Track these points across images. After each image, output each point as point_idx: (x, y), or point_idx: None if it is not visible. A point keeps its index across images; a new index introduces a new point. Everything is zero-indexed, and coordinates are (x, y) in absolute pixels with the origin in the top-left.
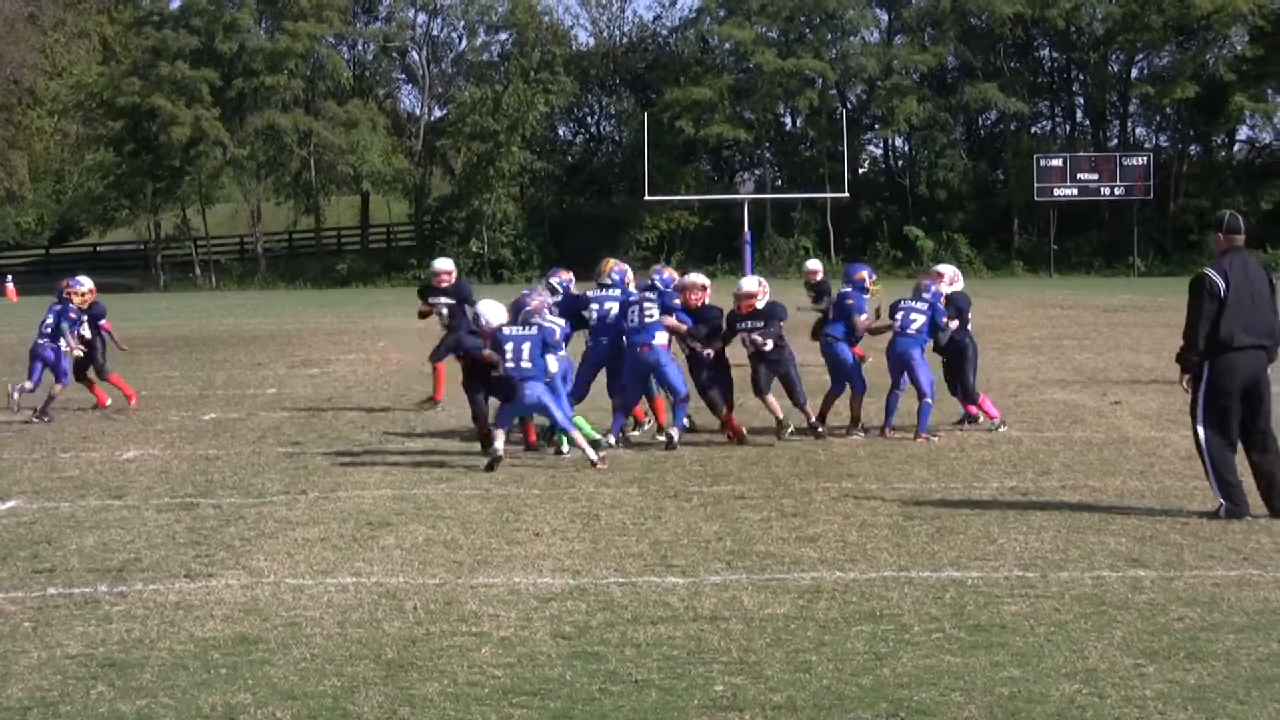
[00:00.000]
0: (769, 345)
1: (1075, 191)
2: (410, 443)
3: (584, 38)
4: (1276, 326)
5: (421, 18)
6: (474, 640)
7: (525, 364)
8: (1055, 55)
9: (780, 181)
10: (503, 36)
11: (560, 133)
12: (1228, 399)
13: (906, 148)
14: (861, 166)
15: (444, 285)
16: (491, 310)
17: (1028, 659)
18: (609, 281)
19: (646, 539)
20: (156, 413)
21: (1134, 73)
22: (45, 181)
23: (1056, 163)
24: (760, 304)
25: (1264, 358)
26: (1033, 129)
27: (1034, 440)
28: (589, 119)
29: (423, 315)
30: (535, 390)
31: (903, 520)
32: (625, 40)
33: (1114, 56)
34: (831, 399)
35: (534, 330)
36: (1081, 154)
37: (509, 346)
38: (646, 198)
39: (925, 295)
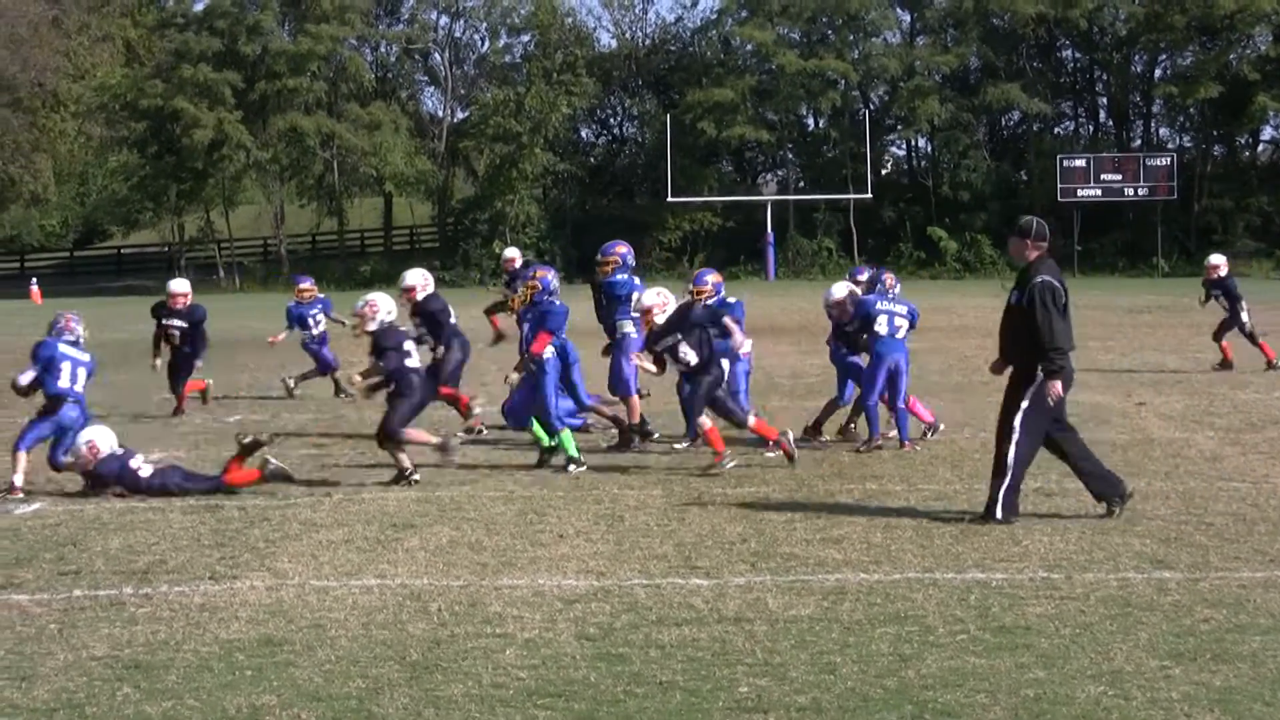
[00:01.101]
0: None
1: (1099, 192)
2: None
3: (606, 39)
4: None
5: (444, 20)
6: (498, 642)
7: (79, 387)
8: (1078, 56)
9: (803, 183)
10: (525, 38)
11: (583, 134)
12: (1059, 405)
13: (929, 148)
14: (884, 167)
15: (179, 307)
16: (100, 436)
17: (1053, 661)
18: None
19: (670, 540)
20: (181, 415)
21: (1157, 73)
22: (69, 184)
23: (1079, 163)
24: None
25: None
26: (1055, 130)
27: None
28: (611, 120)
29: (157, 339)
30: (75, 411)
31: (927, 522)
32: (647, 42)
33: (1137, 57)
34: (833, 407)
35: (88, 358)
36: (1105, 155)
37: (65, 366)
38: (669, 199)
39: (895, 291)
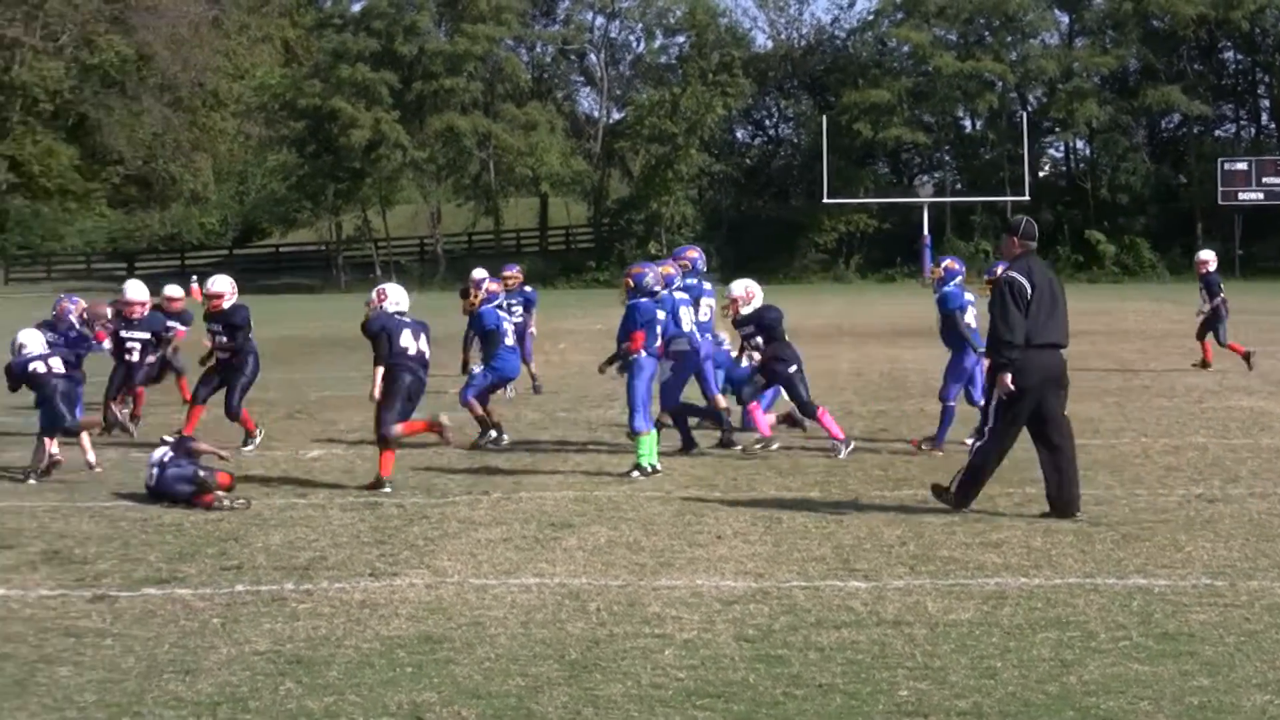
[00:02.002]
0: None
1: (1261, 195)
2: (591, 444)
3: (762, 40)
4: (1068, 327)
5: (599, 20)
6: (657, 642)
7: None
8: (1239, 58)
9: (959, 184)
10: (680, 39)
11: (738, 135)
12: (1022, 398)
13: (1087, 151)
14: (1042, 170)
15: (137, 317)
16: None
17: (1217, 668)
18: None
19: (829, 542)
20: (339, 413)
21: None
22: (229, 183)
23: (1241, 166)
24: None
25: (1060, 356)
26: (1216, 132)
27: (1220, 447)
28: (767, 121)
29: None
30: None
31: (1087, 526)
32: (803, 43)
33: None
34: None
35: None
36: (1267, 157)
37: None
38: (825, 200)
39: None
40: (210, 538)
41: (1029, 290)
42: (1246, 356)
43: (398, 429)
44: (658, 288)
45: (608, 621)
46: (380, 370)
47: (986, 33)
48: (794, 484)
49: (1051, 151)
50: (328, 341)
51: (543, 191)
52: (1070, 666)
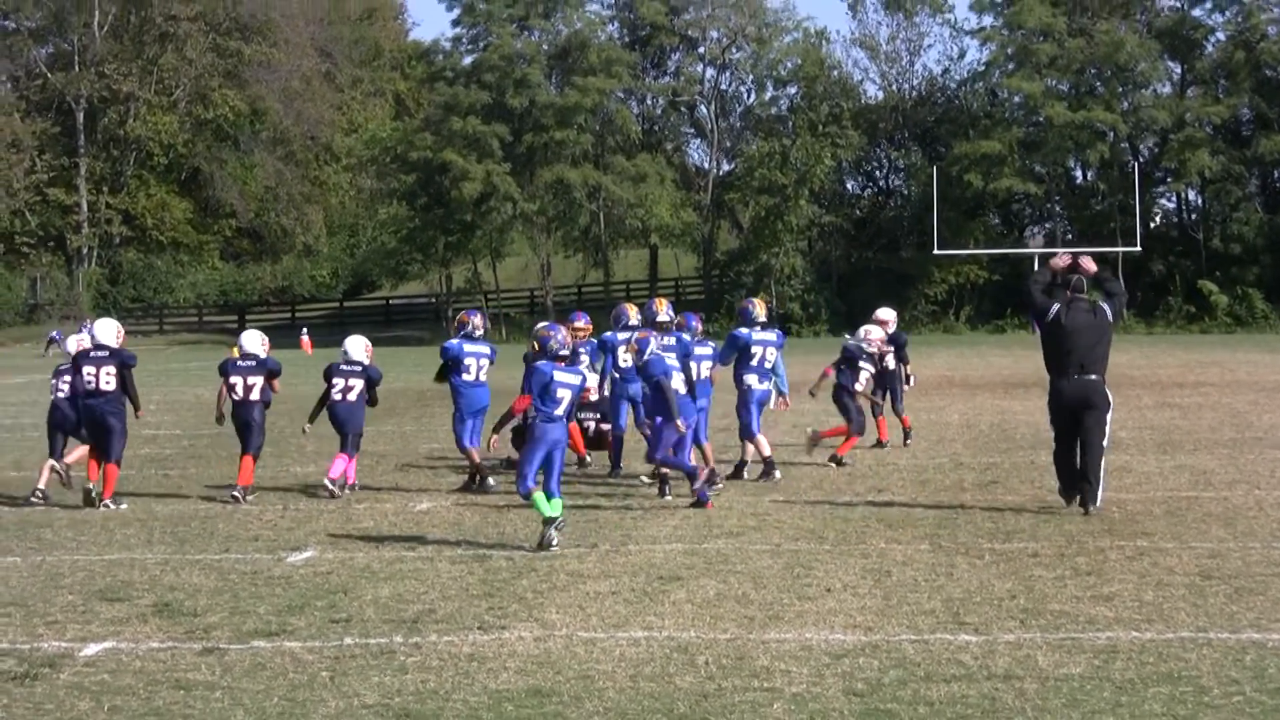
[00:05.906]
0: None
1: None
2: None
3: (872, 91)
4: (1091, 360)
5: (710, 72)
6: (766, 696)
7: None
8: None
9: (1070, 235)
10: (791, 90)
11: (848, 186)
12: (1056, 414)
13: (1199, 201)
14: (1153, 220)
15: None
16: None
17: None
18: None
19: (938, 596)
20: (449, 465)
21: None
22: (340, 235)
23: None
24: None
25: (1077, 384)
26: None
27: None
28: (877, 172)
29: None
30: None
31: (1200, 580)
32: (914, 94)
33: None
34: None
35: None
36: None
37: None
38: (935, 251)
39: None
40: (319, 590)
41: (1043, 330)
42: None
43: None
44: (564, 351)
45: (716, 675)
46: None
47: (1098, 83)
48: (904, 536)
49: (1163, 201)
50: (439, 394)
51: (652, 243)
52: None
